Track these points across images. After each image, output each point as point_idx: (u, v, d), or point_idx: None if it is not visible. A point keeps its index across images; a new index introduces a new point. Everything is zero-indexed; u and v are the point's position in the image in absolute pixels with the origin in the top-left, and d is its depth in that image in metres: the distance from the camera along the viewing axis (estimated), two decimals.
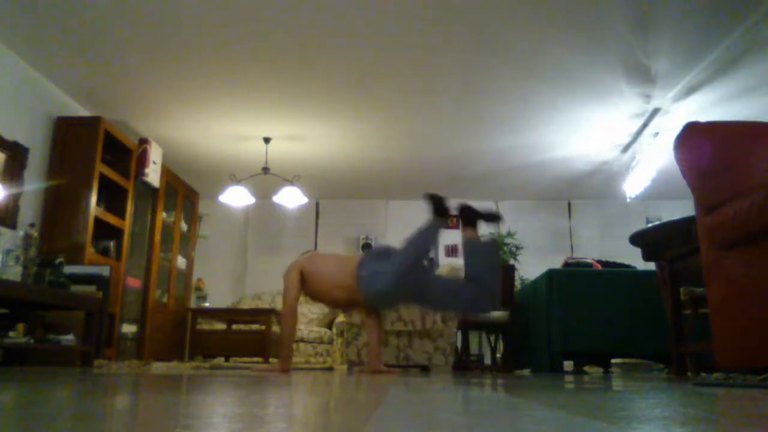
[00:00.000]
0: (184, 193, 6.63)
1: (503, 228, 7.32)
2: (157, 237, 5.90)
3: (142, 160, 5.44)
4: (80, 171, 4.74)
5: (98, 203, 4.86)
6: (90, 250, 4.68)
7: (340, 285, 3.24)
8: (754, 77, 4.52)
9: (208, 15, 3.79)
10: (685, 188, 2.45)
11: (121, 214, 5.24)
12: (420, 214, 7.99)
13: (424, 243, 3.19)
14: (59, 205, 4.67)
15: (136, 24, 3.90)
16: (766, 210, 1.87)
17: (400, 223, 8.00)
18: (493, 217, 3.35)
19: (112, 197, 5.21)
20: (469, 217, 3.28)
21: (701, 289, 3.13)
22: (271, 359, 5.47)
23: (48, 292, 3.59)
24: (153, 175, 5.56)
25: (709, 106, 4.97)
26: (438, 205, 3.26)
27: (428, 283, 3.18)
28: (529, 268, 6.90)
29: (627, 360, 5.45)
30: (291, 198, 6.15)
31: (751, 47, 4.09)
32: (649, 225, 3.26)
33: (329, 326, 6.90)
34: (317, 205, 8.01)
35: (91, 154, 4.77)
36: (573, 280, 4.14)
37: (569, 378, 2.85)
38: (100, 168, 4.85)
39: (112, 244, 5.13)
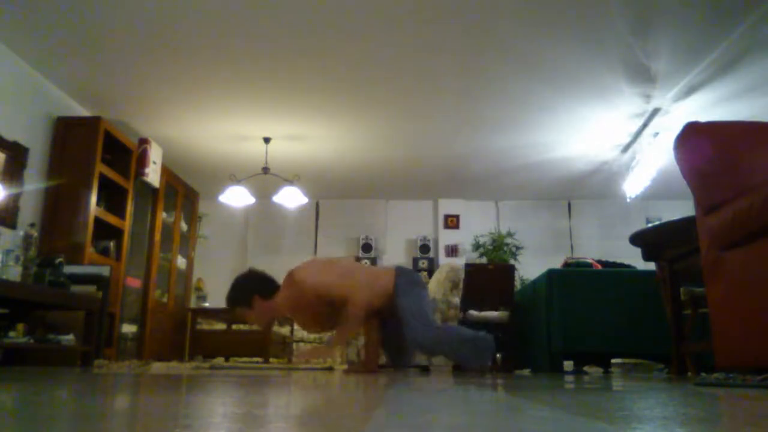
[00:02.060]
0: (184, 193, 6.63)
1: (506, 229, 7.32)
2: (157, 237, 5.90)
3: (142, 160, 5.44)
4: (80, 171, 4.74)
5: (98, 203, 4.86)
6: (90, 250, 4.68)
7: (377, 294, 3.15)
8: (754, 77, 4.52)
9: (208, 15, 3.79)
10: (685, 188, 2.45)
11: (121, 214, 5.24)
12: (420, 215, 8.01)
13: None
14: (59, 205, 4.67)
15: (136, 24, 3.90)
16: (766, 210, 1.87)
17: (400, 223, 8.00)
18: None
19: (112, 197, 5.21)
20: None
21: (701, 289, 3.13)
22: (271, 359, 5.47)
23: (48, 292, 3.59)
24: (153, 175, 5.56)
25: (709, 106, 4.97)
26: None
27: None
28: (529, 268, 6.90)
29: (627, 360, 5.45)
30: (291, 198, 6.15)
31: (751, 47, 4.09)
32: (649, 225, 3.26)
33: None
34: (317, 205, 8.02)
35: (91, 154, 4.77)
36: (573, 280, 4.14)
37: (569, 378, 2.85)
38: (100, 168, 4.85)
39: (112, 244, 5.13)
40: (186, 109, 5.25)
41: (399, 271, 3.23)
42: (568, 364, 4.66)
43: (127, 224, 5.31)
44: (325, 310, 3.12)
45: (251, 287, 3.10)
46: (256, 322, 3.19)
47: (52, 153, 4.77)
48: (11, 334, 3.55)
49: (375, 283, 3.18)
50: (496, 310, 4.95)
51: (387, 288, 3.15)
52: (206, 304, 7.15)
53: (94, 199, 4.72)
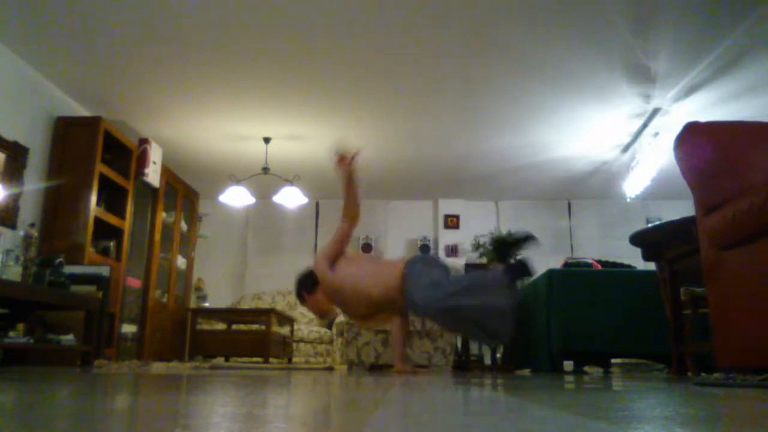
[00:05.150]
0: (184, 193, 6.63)
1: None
2: (157, 237, 5.90)
3: (142, 160, 5.44)
4: (80, 171, 4.74)
5: (98, 203, 4.86)
6: (90, 250, 4.68)
7: (382, 284, 3.18)
8: (754, 77, 4.52)
9: (208, 15, 3.79)
10: (685, 188, 2.45)
11: (121, 214, 5.24)
12: (420, 215, 8.01)
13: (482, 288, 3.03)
14: (59, 205, 4.67)
15: (136, 24, 3.90)
16: (765, 210, 1.87)
17: (400, 223, 8.00)
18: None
19: (112, 197, 5.21)
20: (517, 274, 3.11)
21: (701, 289, 3.13)
22: (270, 359, 5.47)
23: (48, 292, 3.59)
24: (153, 175, 5.56)
25: (709, 106, 4.97)
26: (520, 272, 3.09)
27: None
28: None
29: (627, 360, 5.44)
30: (291, 198, 6.15)
31: (751, 47, 4.08)
32: (649, 225, 3.26)
33: (329, 326, 6.91)
34: (317, 205, 8.01)
35: (91, 154, 4.77)
36: (573, 280, 4.14)
37: (569, 378, 2.85)
38: (100, 168, 4.84)
39: (112, 244, 5.13)
40: (186, 109, 5.25)
41: (409, 260, 3.24)
42: (568, 364, 4.66)
43: (127, 224, 5.31)
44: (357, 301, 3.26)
45: (298, 284, 3.44)
46: (314, 313, 3.52)
47: (52, 153, 4.76)
48: (11, 334, 3.55)
49: (379, 279, 3.20)
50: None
51: (392, 282, 3.16)
52: (206, 304, 7.15)
53: (94, 199, 4.72)
